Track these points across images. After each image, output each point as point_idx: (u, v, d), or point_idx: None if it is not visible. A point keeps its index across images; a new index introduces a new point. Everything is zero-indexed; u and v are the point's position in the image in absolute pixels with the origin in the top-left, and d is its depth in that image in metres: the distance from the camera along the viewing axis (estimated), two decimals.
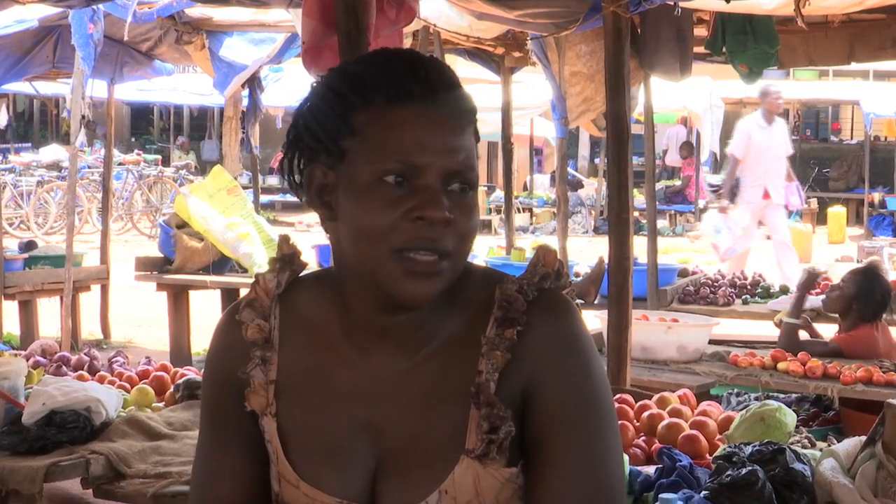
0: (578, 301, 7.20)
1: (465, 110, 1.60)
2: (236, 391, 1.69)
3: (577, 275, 8.09)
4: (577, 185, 21.41)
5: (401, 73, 1.58)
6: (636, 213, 14.54)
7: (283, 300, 1.71)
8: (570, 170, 20.26)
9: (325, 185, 1.62)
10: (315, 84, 1.65)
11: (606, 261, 5.20)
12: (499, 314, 1.62)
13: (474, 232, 1.60)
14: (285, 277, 1.72)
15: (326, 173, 1.61)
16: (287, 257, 1.73)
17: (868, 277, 5.91)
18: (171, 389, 4.72)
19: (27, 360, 5.03)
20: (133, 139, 30.24)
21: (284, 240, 1.77)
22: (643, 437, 3.88)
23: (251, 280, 1.75)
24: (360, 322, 1.63)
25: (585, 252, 13.48)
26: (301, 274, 1.74)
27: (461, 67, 10.79)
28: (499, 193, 19.76)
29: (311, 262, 7.98)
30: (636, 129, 9.92)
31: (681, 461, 3.33)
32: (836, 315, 6.12)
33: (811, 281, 6.37)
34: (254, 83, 9.09)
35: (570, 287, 1.69)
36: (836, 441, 3.89)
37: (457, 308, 1.65)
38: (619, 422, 3.76)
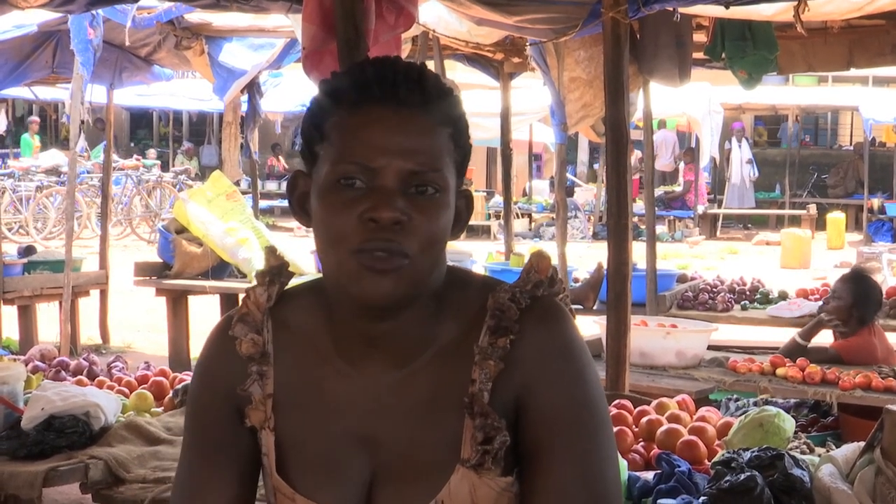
0: (577, 307, 7.23)
1: (437, 113, 1.57)
2: (229, 405, 1.68)
3: (576, 280, 8.09)
4: (570, 190, 21.40)
5: (368, 76, 1.56)
6: (635, 219, 14.51)
7: (273, 313, 1.69)
8: (569, 175, 20.29)
9: (305, 193, 1.63)
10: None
11: (605, 266, 5.20)
12: (491, 323, 1.60)
13: (440, 234, 1.56)
14: (275, 290, 1.70)
15: (305, 180, 1.62)
16: (275, 269, 1.71)
17: (860, 282, 5.94)
18: (170, 394, 4.72)
19: (26, 365, 5.02)
20: (132, 144, 30.24)
21: (271, 251, 1.74)
22: (642, 443, 3.87)
23: (249, 286, 1.73)
24: (349, 332, 1.62)
25: (584, 258, 13.49)
26: (289, 285, 1.73)
27: (460, 73, 10.82)
28: (498, 199, 19.76)
29: (311, 269, 7.99)
30: (635, 135, 9.91)
31: (679, 467, 3.33)
32: (838, 324, 6.07)
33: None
34: (253, 88, 9.10)
35: (564, 293, 1.66)
36: (834, 447, 3.89)
37: (449, 316, 1.63)
38: (619, 427, 3.82)
